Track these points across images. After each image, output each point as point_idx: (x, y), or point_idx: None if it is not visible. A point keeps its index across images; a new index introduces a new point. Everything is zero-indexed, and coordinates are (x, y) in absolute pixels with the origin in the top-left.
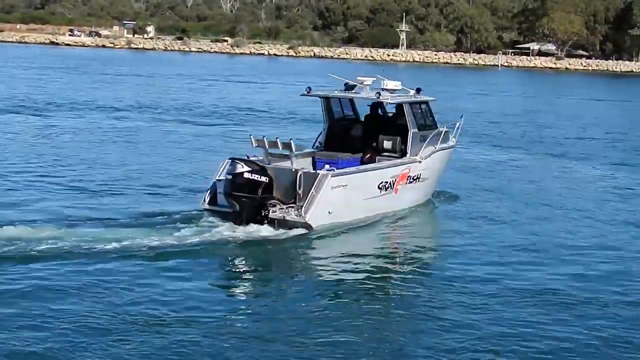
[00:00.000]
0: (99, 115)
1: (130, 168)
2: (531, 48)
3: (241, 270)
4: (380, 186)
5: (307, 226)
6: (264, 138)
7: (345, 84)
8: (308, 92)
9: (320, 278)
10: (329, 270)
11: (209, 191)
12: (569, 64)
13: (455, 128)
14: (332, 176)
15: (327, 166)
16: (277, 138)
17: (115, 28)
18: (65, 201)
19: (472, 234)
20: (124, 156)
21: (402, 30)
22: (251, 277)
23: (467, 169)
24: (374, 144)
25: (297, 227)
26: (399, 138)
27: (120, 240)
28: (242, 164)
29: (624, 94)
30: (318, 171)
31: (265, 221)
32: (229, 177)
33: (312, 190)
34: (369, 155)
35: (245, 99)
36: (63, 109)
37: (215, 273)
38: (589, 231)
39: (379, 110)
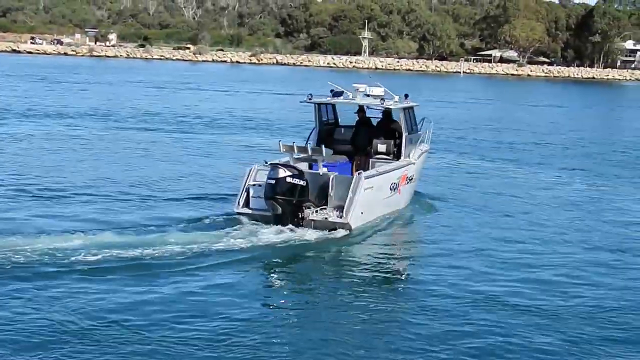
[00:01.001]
0: (54, 122)
1: (137, 176)
2: (493, 55)
3: (296, 273)
4: (391, 187)
5: (349, 227)
6: (294, 144)
7: (332, 91)
8: (310, 99)
9: (374, 280)
10: (376, 272)
11: (241, 195)
12: (531, 71)
13: (427, 133)
14: (365, 178)
15: (324, 169)
16: (307, 144)
17: (77, 36)
18: (82, 210)
19: (438, 240)
20: (118, 164)
21: (365, 38)
22: (310, 280)
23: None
24: (368, 148)
25: (337, 229)
26: (392, 141)
27: (171, 245)
28: (284, 168)
29: (585, 100)
30: (352, 175)
31: (302, 223)
32: (272, 181)
33: (349, 192)
34: (359, 160)
35: (213, 107)
36: (18, 116)
37: (273, 275)
38: (540, 236)
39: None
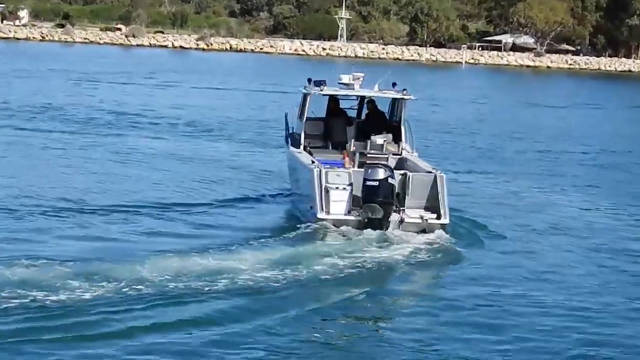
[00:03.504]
0: None
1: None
2: (504, 41)
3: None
4: None
5: (446, 227)
6: (369, 142)
7: (311, 80)
8: (321, 90)
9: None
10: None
11: (321, 200)
12: (551, 62)
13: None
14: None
15: (323, 166)
16: (369, 141)
17: None
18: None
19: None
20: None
21: (342, 18)
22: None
23: None
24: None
25: (434, 230)
26: (391, 135)
27: (283, 266)
28: (384, 169)
29: (620, 100)
30: (432, 172)
31: (392, 226)
32: (373, 183)
33: (431, 191)
34: (346, 156)
35: (153, 104)
36: None
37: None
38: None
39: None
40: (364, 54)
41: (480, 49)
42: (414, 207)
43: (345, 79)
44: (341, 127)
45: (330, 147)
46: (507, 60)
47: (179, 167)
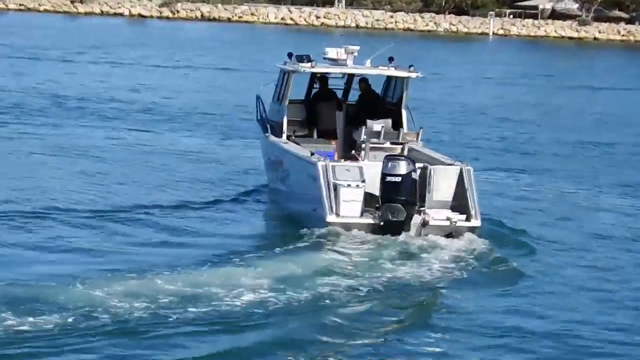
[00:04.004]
0: None
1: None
2: (540, 7)
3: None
4: None
5: (476, 230)
6: (382, 128)
7: (297, 56)
8: (312, 67)
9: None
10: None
11: (329, 201)
12: (600, 32)
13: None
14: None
15: (321, 157)
16: (383, 127)
17: None
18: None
19: None
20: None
21: None
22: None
23: None
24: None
25: (463, 234)
26: (390, 120)
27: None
28: (406, 161)
29: None
30: (456, 165)
31: (414, 230)
32: (395, 179)
33: (465, 187)
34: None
35: (107, 86)
36: None
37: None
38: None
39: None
40: (367, 23)
41: (511, 16)
42: (436, 206)
43: (333, 53)
44: (331, 112)
45: (315, 136)
46: (545, 31)
47: (132, 163)
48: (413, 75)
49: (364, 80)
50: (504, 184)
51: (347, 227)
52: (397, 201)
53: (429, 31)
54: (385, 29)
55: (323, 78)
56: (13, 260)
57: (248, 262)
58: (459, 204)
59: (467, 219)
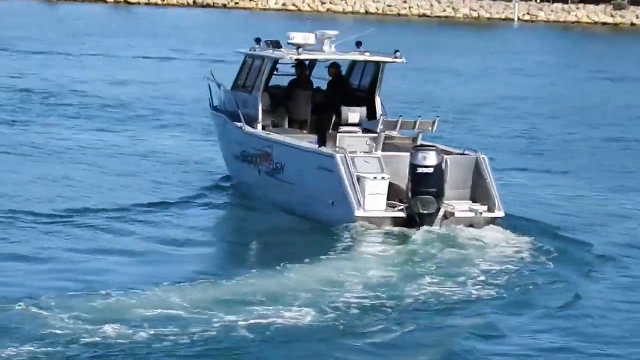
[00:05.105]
0: None
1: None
2: None
3: None
4: None
5: (498, 221)
6: (400, 118)
7: (260, 40)
8: (298, 54)
9: None
10: None
11: (356, 194)
12: (637, 17)
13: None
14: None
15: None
16: (419, 117)
17: None
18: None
19: None
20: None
21: None
22: None
23: None
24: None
25: (486, 225)
26: (365, 108)
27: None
28: (436, 151)
29: None
30: (471, 155)
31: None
32: (427, 170)
33: (484, 177)
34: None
35: (90, 81)
36: None
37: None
38: None
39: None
40: (377, 9)
41: (539, 0)
42: (454, 197)
43: (299, 37)
44: (306, 100)
45: (286, 125)
46: (576, 16)
47: (104, 165)
48: (399, 60)
49: (334, 65)
50: (535, 185)
51: (374, 221)
52: (428, 193)
53: (446, 17)
54: (399, 14)
55: (301, 64)
56: None
57: (278, 269)
58: (477, 194)
59: (489, 210)
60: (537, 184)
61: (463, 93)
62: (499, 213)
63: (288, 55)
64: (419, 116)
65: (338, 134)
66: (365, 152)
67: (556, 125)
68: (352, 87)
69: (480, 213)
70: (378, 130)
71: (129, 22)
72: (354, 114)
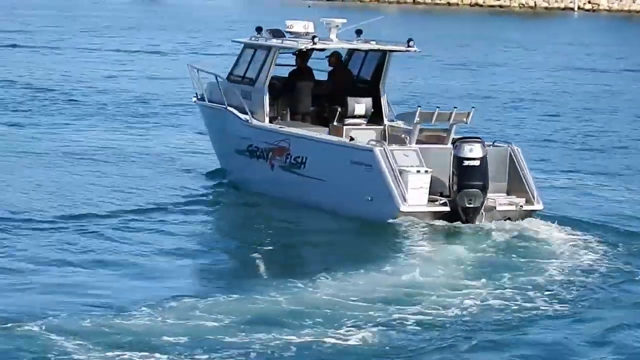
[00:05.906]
0: None
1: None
2: None
3: None
4: None
5: (537, 214)
6: (437, 109)
7: (270, 31)
8: (314, 44)
9: None
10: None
11: (399, 188)
12: None
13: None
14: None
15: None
16: (437, 108)
17: None
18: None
19: None
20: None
21: None
22: None
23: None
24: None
25: (525, 218)
26: (370, 100)
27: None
28: (481, 144)
29: None
30: (504, 146)
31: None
32: (474, 162)
33: (519, 169)
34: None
35: (111, 79)
36: None
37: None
38: None
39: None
40: None
41: None
42: (491, 190)
43: (299, 26)
44: (308, 92)
45: (288, 118)
46: None
47: (103, 166)
48: (412, 50)
49: (335, 54)
50: (572, 183)
51: (417, 216)
52: (475, 186)
53: (500, 6)
54: (449, 4)
55: (303, 54)
56: None
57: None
58: (513, 186)
59: (528, 202)
60: (573, 182)
61: (515, 88)
62: (538, 206)
63: (301, 45)
64: (455, 107)
65: (344, 127)
66: (400, 145)
67: (613, 124)
68: (354, 77)
69: (521, 206)
70: (415, 122)
71: (156, 15)
72: (360, 105)
